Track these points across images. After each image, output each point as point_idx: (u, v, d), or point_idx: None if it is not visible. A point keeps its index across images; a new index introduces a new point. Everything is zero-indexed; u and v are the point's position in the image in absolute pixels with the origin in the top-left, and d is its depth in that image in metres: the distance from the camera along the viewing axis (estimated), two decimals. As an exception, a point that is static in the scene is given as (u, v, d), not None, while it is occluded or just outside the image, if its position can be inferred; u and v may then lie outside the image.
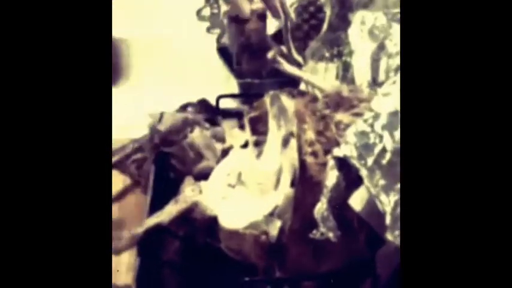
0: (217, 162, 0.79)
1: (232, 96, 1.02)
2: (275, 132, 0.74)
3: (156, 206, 0.75)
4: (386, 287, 0.67)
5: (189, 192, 0.71)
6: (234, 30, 1.12)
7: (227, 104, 0.97)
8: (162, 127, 0.84)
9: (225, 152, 0.80)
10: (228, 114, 0.92)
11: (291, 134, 0.70)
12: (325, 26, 0.98)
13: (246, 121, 0.79)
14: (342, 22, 0.94)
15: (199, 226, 0.70)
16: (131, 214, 0.85)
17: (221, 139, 0.83)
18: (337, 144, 0.66)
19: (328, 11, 0.99)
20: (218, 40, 1.33)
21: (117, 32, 0.88)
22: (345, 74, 0.89)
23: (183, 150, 0.81)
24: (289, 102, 0.73)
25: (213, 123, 0.88)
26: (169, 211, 0.70)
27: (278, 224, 0.67)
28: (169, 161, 0.83)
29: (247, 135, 0.81)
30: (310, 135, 0.67)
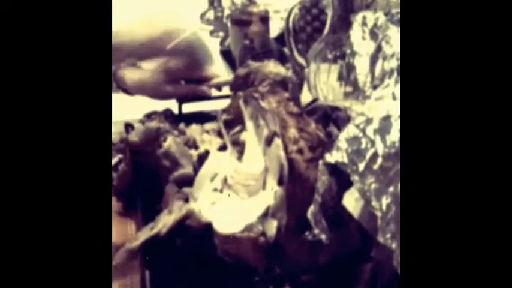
0: (194, 168, 0.79)
1: (195, 100, 1.01)
2: (254, 133, 0.74)
3: (146, 217, 0.75)
4: (384, 270, 0.67)
5: (180, 201, 0.70)
6: (237, 33, 1.13)
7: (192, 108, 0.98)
8: (135, 138, 0.83)
9: (202, 158, 0.80)
10: (192, 119, 0.92)
11: (274, 134, 0.69)
12: (327, 28, 0.98)
13: (221, 124, 0.79)
14: (344, 23, 0.94)
15: (195, 233, 0.70)
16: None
17: (193, 145, 0.83)
18: (319, 138, 0.66)
19: (329, 12, 0.98)
20: (221, 43, 1.34)
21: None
22: (348, 75, 0.89)
23: (158, 159, 0.81)
24: (263, 102, 0.72)
25: (180, 130, 0.87)
26: (165, 222, 0.69)
27: (274, 223, 0.67)
28: (144, 170, 0.83)
29: (219, 138, 0.81)
30: (293, 133, 0.67)
